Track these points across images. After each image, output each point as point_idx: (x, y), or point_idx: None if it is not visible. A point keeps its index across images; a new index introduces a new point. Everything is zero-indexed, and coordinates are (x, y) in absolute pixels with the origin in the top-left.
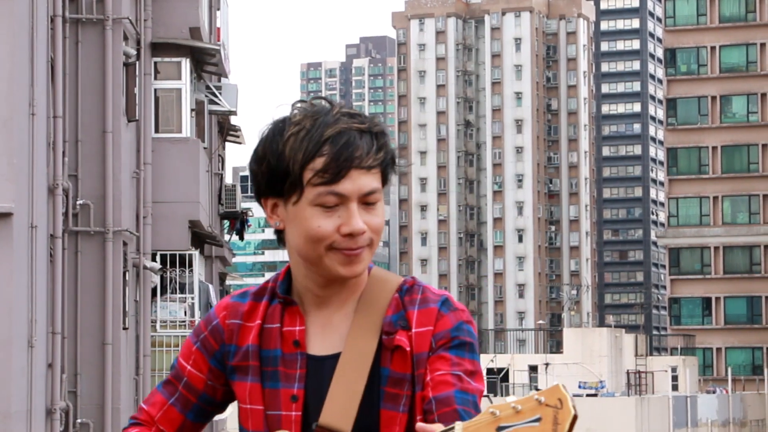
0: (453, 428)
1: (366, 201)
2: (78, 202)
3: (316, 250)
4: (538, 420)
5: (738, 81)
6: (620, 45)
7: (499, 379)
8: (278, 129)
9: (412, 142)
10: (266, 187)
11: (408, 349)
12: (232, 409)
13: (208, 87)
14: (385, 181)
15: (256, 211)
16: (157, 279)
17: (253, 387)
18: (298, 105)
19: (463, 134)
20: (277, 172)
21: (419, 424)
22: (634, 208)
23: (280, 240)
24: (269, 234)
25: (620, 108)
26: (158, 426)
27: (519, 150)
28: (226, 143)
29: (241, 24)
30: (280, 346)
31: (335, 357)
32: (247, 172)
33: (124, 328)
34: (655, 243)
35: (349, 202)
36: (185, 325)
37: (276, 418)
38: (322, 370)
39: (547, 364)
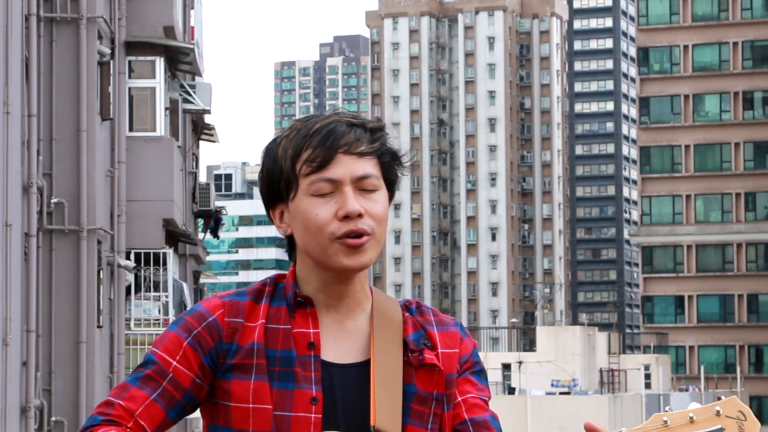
0: None
1: (362, 187)
2: (52, 201)
3: (320, 242)
4: (720, 430)
5: (711, 80)
6: (593, 44)
7: None
8: (274, 139)
9: None
10: (269, 195)
11: (441, 368)
12: None
13: (182, 86)
14: (387, 173)
15: (230, 209)
16: (131, 277)
17: (258, 386)
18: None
19: (436, 133)
20: (273, 175)
21: (589, 422)
22: (607, 207)
23: (291, 250)
24: (243, 233)
25: (593, 107)
26: (138, 421)
27: (492, 148)
28: (200, 142)
29: (215, 23)
30: (293, 347)
31: (358, 366)
32: (221, 171)
33: (99, 327)
34: (628, 241)
35: (342, 186)
36: (159, 324)
37: (286, 419)
38: (343, 377)
39: (520, 363)
